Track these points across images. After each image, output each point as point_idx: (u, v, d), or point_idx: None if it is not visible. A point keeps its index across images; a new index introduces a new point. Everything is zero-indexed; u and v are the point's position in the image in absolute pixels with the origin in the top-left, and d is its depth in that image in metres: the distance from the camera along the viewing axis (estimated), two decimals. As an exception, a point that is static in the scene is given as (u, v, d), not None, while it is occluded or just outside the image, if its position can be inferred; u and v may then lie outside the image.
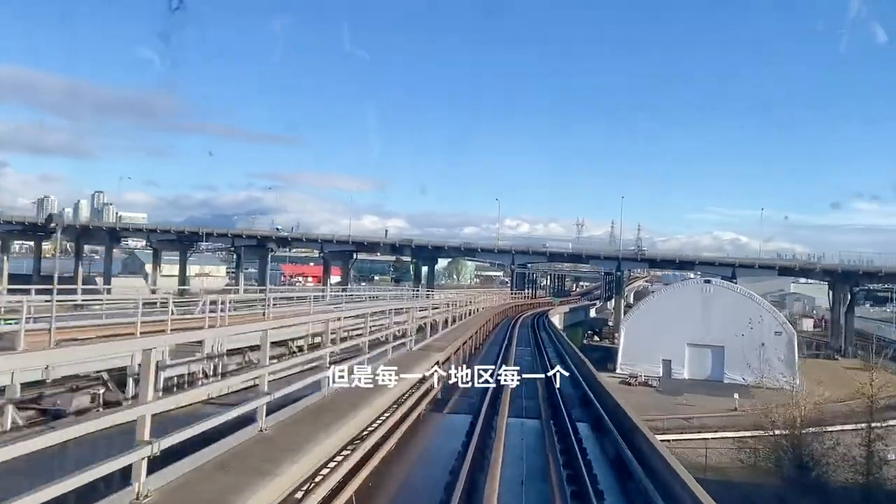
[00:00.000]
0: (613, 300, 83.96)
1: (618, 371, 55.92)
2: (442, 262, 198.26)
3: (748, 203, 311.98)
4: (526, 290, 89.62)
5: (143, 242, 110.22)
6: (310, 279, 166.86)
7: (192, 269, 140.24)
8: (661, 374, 55.35)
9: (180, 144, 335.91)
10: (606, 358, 59.88)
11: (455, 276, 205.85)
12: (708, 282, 56.67)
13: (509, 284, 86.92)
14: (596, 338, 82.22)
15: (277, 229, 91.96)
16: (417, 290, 74.27)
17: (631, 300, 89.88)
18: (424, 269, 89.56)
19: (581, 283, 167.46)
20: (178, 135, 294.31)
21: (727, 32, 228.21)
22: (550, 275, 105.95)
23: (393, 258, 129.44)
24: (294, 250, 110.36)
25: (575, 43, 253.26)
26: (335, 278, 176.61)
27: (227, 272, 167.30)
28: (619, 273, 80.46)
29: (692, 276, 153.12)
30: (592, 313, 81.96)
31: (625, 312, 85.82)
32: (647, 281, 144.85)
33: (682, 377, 55.25)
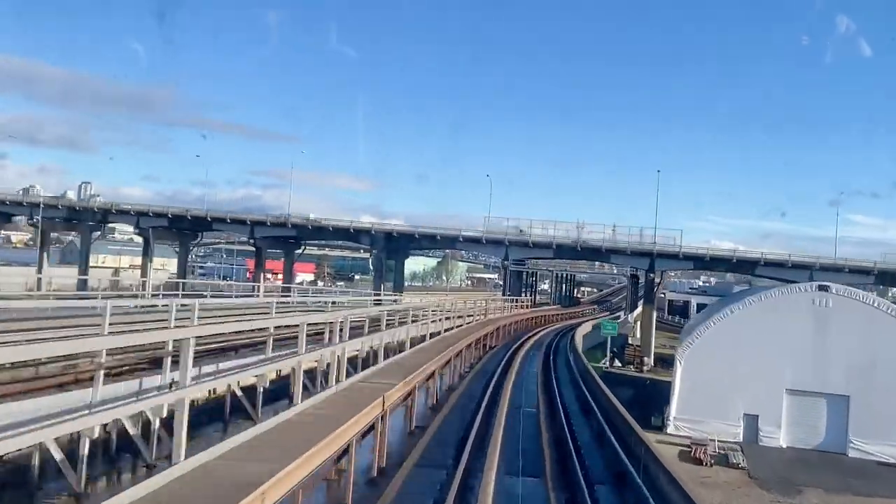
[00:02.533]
0: (639, 310, 62.33)
1: (670, 430, 34.32)
2: (430, 262, 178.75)
3: (745, 212, 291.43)
4: (525, 296, 68.11)
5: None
6: (279, 276, 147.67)
7: (124, 261, 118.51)
8: (741, 437, 33.78)
9: (179, 139, 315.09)
10: (642, 400, 38.42)
11: (444, 277, 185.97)
12: (824, 289, 34.82)
13: (502, 287, 65.08)
14: (617, 362, 60.71)
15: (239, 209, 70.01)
16: (379, 294, 53.75)
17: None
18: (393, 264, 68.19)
19: (581, 289, 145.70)
20: (176, 129, 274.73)
21: (725, 43, 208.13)
22: (558, 275, 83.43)
23: (367, 254, 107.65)
24: (228, 237, 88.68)
25: (574, 48, 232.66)
26: (307, 276, 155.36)
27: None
28: (650, 274, 58.88)
29: (703, 277, 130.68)
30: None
31: (657, 326, 64.67)
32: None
33: (776, 443, 33.51)
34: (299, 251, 72.73)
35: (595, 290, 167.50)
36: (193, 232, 71.95)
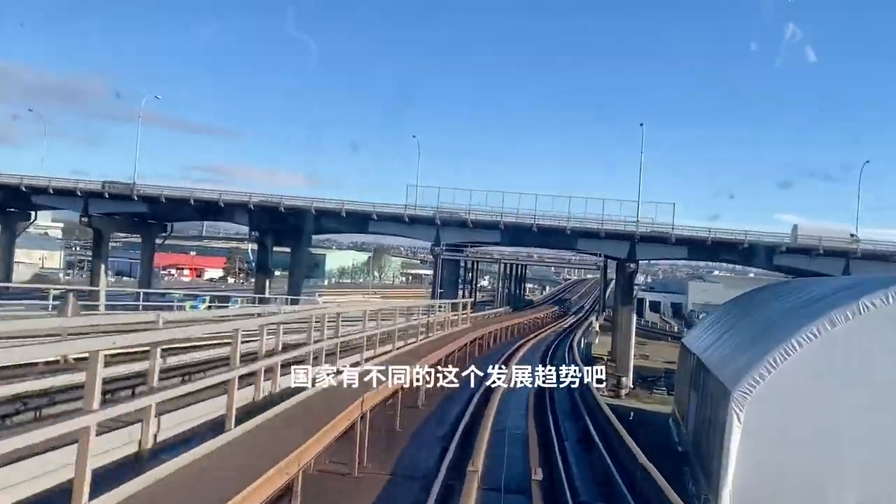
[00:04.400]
0: (620, 313, 46.95)
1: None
2: (360, 257, 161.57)
3: (689, 197, 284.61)
4: (464, 292, 52.06)
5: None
6: (185, 272, 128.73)
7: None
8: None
9: (112, 133, 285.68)
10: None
11: (377, 274, 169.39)
12: None
13: (435, 282, 48.59)
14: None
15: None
16: (263, 297, 37.69)
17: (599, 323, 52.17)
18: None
19: (522, 286, 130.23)
20: (109, 123, 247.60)
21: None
22: (505, 267, 66.14)
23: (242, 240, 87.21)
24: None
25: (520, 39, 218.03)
26: (215, 271, 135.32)
27: (70, 259, 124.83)
28: (630, 265, 43.59)
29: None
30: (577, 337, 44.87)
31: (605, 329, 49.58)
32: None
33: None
34: (160, 239, 54.11)
35: (537, 287, 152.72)
36: (23, 210, 52.84)
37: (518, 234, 44.31)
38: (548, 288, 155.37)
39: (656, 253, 43.62)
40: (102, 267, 48.12)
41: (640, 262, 43.89)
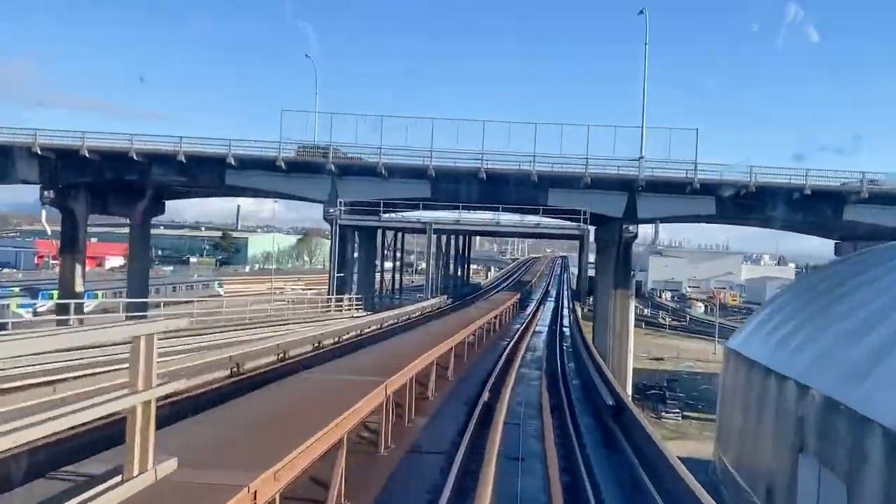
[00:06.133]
0: (612, 300, 31.91)
1: None
2: (289, 240, 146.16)
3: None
4: (387, 281, 36.56)
5: None
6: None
7: None
8: None
9: (40, 119, 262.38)
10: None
11: (307, 258, 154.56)
12: None
13: (332, 262, 32.41)
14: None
15: None
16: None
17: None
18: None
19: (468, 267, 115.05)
20: (37, 110, 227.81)
21: None
22: (444, 240, 49.14)
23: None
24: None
25: None
26: (117, 259, 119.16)
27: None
28: (629, 228, 28.78)
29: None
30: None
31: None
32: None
33: None
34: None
35: (481, 268, 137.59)
36: None
37: (457, 184, 28.82)
38: (493, 269, 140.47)
39: (668, 208, 28.64)
40: None
41: (643, 223, 29.02)
